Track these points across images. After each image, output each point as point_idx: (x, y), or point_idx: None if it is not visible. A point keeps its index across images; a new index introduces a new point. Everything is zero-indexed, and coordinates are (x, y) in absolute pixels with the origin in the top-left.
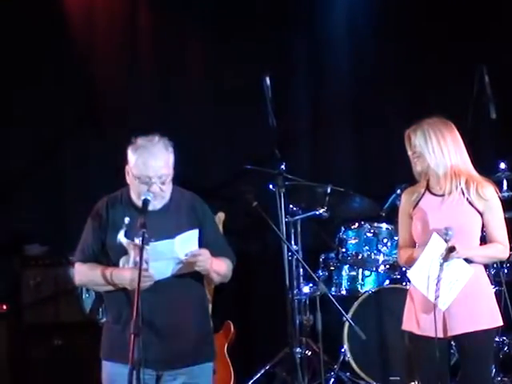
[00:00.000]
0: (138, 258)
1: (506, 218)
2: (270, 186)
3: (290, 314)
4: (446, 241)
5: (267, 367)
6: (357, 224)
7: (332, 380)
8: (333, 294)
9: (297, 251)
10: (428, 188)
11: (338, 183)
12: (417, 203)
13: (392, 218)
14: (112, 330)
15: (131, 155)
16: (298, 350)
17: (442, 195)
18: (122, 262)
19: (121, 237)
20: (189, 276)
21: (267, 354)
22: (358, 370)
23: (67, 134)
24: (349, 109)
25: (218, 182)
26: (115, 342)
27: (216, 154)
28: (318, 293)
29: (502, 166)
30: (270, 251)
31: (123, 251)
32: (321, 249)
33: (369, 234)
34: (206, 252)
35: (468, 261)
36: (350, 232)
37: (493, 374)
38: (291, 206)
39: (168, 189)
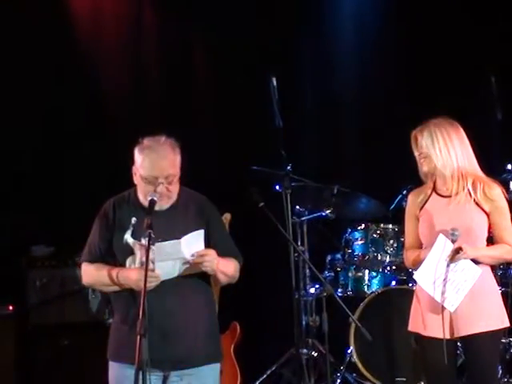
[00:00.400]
0: (144, 259)
1: None
2: (277, 187)
3: (296, 315)
4: (453, 241)
5: (273, 368)
6: (363, 225)
7: (338, 381)
8: (339, 294)
9: (303, 252)
10: (435, 189)
11: (345, 184)
12: (423, 204)
13: (398, 218)
14: (119, 330)
15: (138, 156)
16: (305, 350)
17: (449, 196)
18: (128, 262)
19: (127, 237)
20: (195, 276)
21: (273, 354)
22: (364, 371)
23: (72, 134)
24: (355, 109)
25: (224, 182)
26: (122, 342)
27: (222, 155)
28: (325, 294)
29: (509, 167)
30: (277, 252)
31: (130, 251)
32: (327, 250)
33: (375, 235)
34: (212, 252)
35: (475, 262)
36: (356, 233)
37: (499, 375)
38: (297, 206)
39: (175, 189)
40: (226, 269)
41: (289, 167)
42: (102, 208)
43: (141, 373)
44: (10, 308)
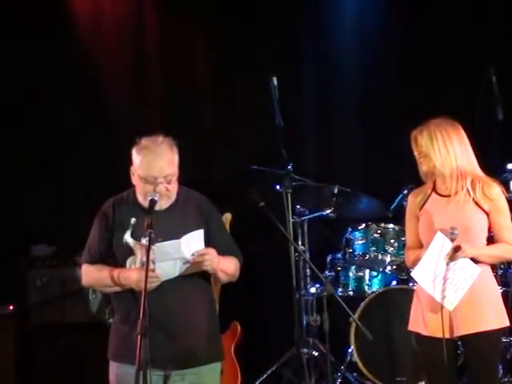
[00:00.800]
0: (144, 259)
1: None
2: (277, 187)
3: (296, 315)
4: (452, 240)
5: (274, 368)
6: (364, 224)
7: (339, 381)
8: (340, 294)
9: (304, 252)
10: (434, 189)
11: (345, 184)
12: (423, 204)
13: (399, 218)
14: (120, 330)
15: (136, 156)
16: (305, 350)
17: (448, 195)
18: (128, 262)
19: (127, 237)
20: (196, 276)
21: (274, 354)
22: (365, 370)
23: (74, 134)
24: (356, 109)
25: (224, 182)
26: (123, 342)
27: (223, 155)
28: (325, 293)
29: (509, 166)
30: (277, 252)
31: (130, 252)
32: (328, 249)
33: (376, 235)
34: (212, 251)
35: (475, 261)
36: (356, 232)
37: (500, 375)
38: (298, 206)
39: (174, 188)
40: (227, 267)
41: (289, 167)
42: (102, 208)
43: (141, 373)
44: (11, 308)
